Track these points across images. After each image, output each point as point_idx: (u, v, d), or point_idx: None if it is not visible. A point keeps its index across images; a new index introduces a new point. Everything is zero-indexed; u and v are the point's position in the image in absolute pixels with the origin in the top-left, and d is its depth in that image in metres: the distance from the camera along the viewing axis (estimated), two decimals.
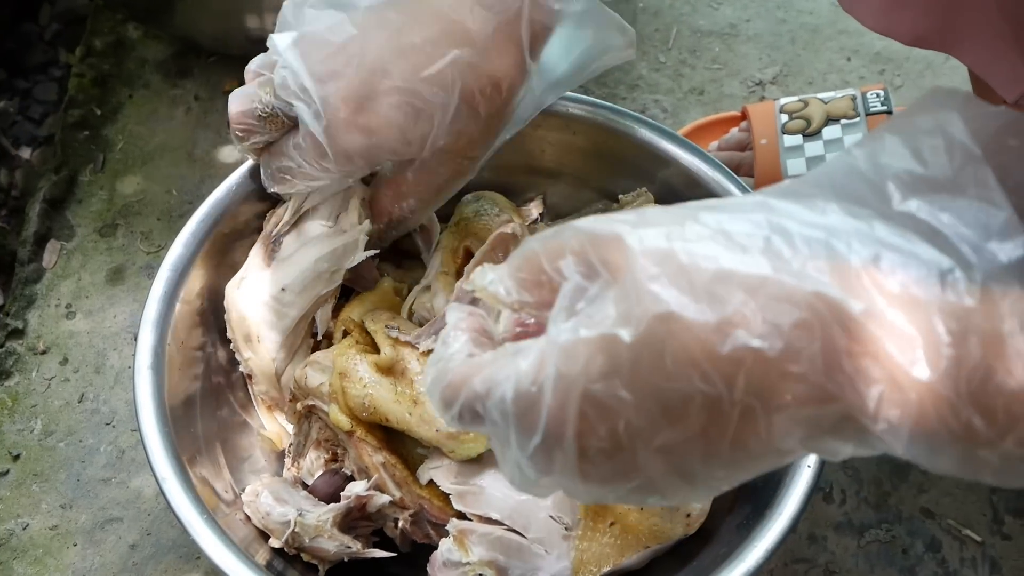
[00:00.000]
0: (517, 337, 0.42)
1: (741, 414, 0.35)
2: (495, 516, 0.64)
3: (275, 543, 0.65)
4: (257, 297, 0.68)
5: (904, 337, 0.33)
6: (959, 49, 0.66)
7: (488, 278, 0.41)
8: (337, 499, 0.66)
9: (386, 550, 0.67)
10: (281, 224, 0.69)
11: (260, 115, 0.64)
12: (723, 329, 0.34)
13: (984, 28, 0.63)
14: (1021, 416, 0.33)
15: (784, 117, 0.91)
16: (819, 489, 0.79)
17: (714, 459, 0.37)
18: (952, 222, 0.35)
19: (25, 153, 1.06)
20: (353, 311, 0.70)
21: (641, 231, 0.37)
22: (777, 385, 0.34)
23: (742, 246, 0.36)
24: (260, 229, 0.72)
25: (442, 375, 0.41)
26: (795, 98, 0.93)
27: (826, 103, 0.91)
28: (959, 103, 0.37)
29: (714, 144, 0.94)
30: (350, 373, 0.64)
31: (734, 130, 0.94)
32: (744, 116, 0.94)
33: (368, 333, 0.68)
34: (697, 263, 0.35)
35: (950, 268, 0.34)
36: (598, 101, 0.76)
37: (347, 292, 0.75)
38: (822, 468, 0.61)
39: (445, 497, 0.65)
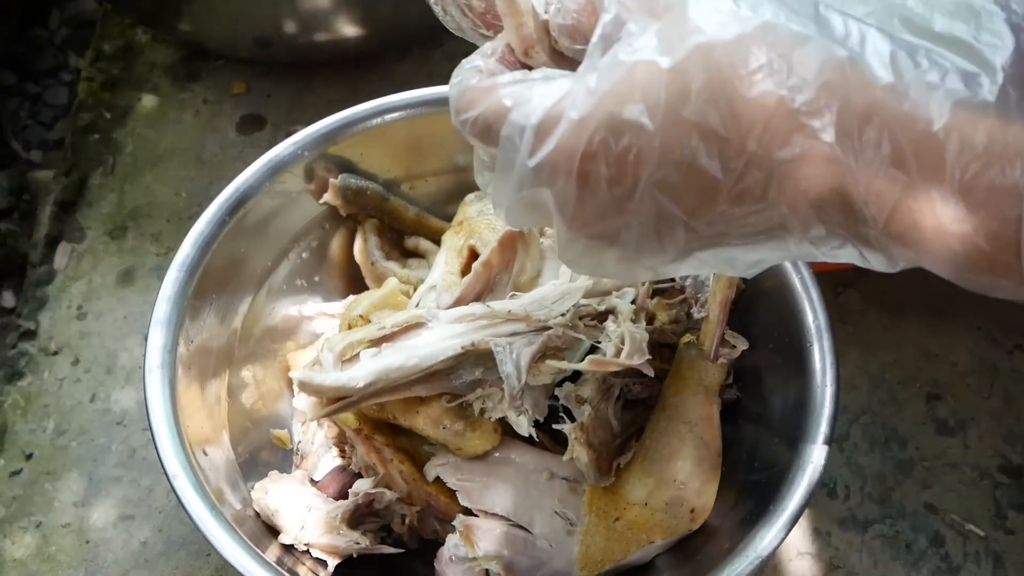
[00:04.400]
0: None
1: (747, 164, 0.36)
2: (501, 512, 0.65)
3: (285, 539, 0.66)
4: None
5: (915, 118, 0.34)
6: None
7: None
8: (345, 495, 0.67)
9: (394, 546, 0.68)
10: None
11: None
12: (756, 75, 0.35)
13: None
14: (1000, 213, 0.34)
15: None
16: (823, 485, 0.80)
17: (703, 214, 0.38)
18: (981, 36, 0.36)
19: (36, 156, 1.07)
20: (359, 309, 0.71)
21: None
22: (790, 137, 0.35)
23: (794, 10, 0.36)
24: (266, 227, 0.73)
25: (468, 77, 0.41)
26: None
27: None
28: None
29: None
30: None
31: None
32: None
33: None
34: (748, 11, 0.36)
35: (976, 72, 0.35)
36: None
37: (358, 288, 0.76)
38: (825, 464, 0.62)
39: (451, 493, 0.66)
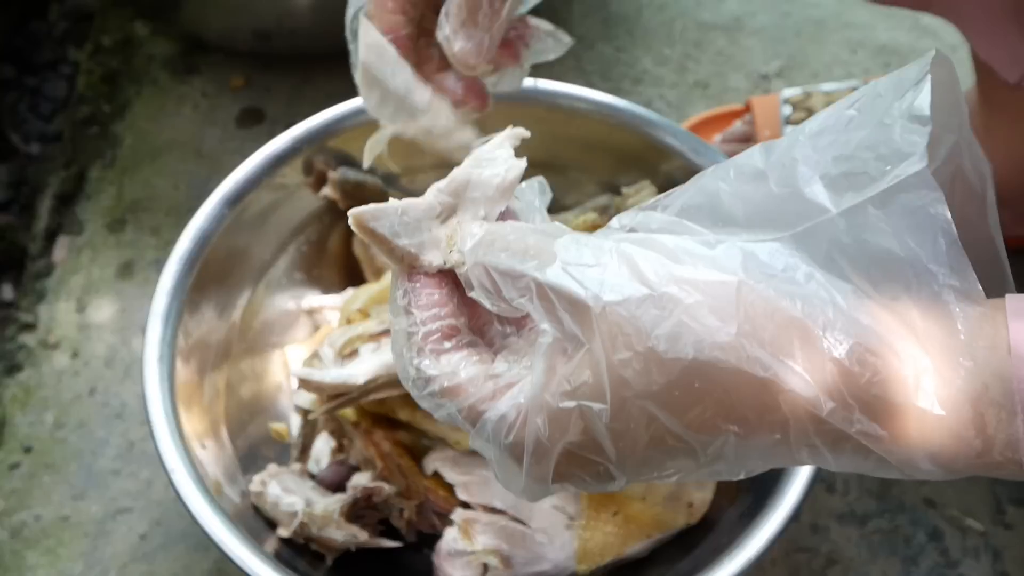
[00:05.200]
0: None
1: (711, 459, 0.37)
2: (499, 506, 0.65)
3: (283, 533, 0.66)
4: None
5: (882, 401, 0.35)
6: (964, 23, 0.66)
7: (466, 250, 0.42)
8: (344, 489, 0.67)
9: (392, 539, 0.68)
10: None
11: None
12: (699, 415, 0.36)
13: (987, 5, 0.63)
14: (988, 468, 0.35)
15: (787, 109, 0.91)
16: (821, 480, 0.80)
17: (689, 476, 0.40)
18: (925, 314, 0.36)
19: (35, 149, 1.07)
20: (358, 303, 0.71)
21: (607, 296, 0.36)
22: (746, 453, 0.37)
23: (717, 325, 0.36)
24: (265, 221, 0.73)
25: (419, 375, 0.41)
26: (798, 89, 0.93)
27: (829, 94, 0.91)
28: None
29: (718, 137, 0.95)
30: None
31: (737, 123, 0.95)
32: (748, 109, 0.94)
33: None
34: (668, 349, 0.36)
35: (925, 366, 0.35)
36: (602, 95, 0.76)
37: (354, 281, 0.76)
38: None
39: (449, 487, 0.66)
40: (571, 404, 0.37)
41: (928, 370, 0.35)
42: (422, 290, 0.42)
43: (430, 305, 0.42)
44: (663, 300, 0.36)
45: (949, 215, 0.35)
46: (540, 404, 0.38)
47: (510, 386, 0.40)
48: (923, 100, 0.36)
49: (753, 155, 0.40)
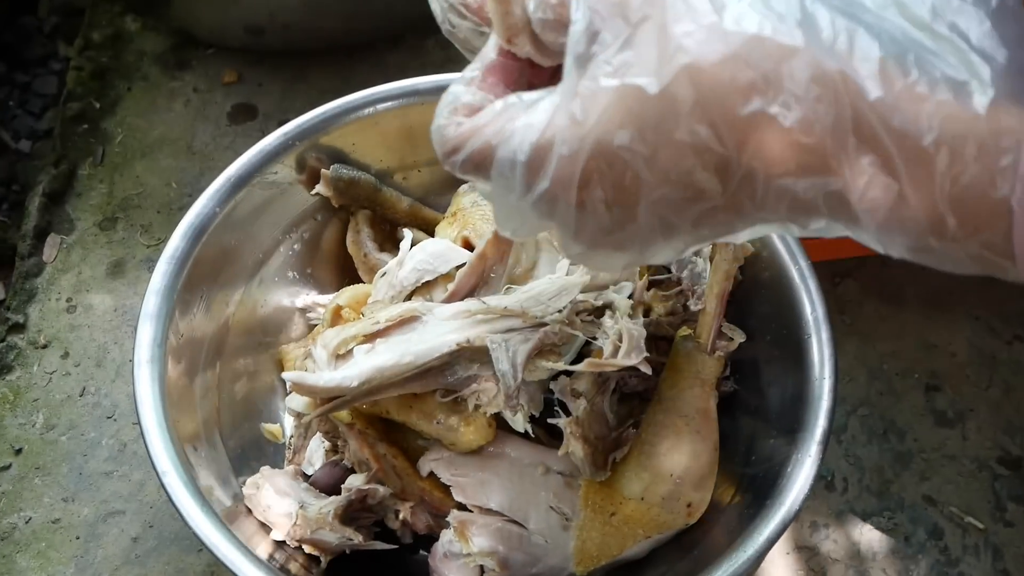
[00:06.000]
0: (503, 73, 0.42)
1: (743, 177, 0.36)
2: (496, 507, 0.64)
3: (277, 535, 0.65)
4: None
5: (905, 132, 0.35)
6: None
7: None
8: (338, 491, 0.66)
9: (387, 542, 0.67)
10: None
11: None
12: (746, 93, 0.35)
13: None
14: (992, 224, 0.35)
15: None
16: (821, 478, 0.79)
17: (704, 219, 0.38)
18: (977, 37, 0.36)
19: (25, 146, 1.06)
20: (341, 299, 0.70)
21: None
22: (784, 153, 0.35)
23: (780, 14, 0.36)
24: (257, 218, 0.72)
25: (450, 119, 0.41)
26: None
27: None
28: None
29: None
30: None
31: None
32: None
33: None
34: (732, 25, 0.35)
35: (965, 80, 0.35)
36: None
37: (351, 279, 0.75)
38: (823, 457, 0.61)
39: (446, 489, 0.65)
40: (612, 83, 0.36)
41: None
42: (492, 66, 0.42)
43: (490, 82, 0.42)
44: None
45: None
46: (573, 92, 0.37)
47: (544, 100, 0.38)
48: None
49: None
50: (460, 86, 0.42)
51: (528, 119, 0.38)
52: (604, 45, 0.37)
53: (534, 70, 0.43)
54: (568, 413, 0.64)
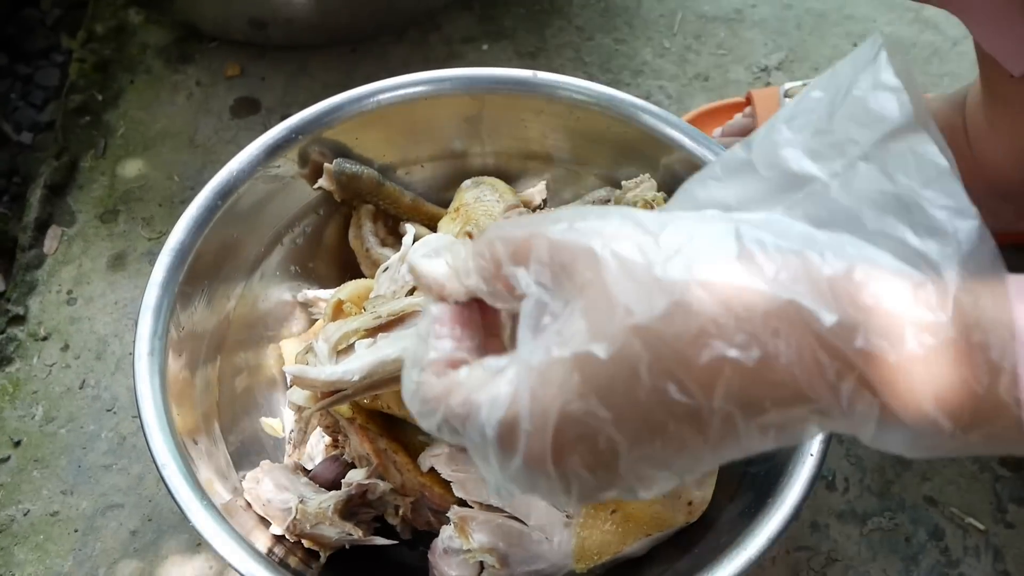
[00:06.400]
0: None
1: (721, 421, 0.36)
2: (496, 503, 0.64)
3: (276, 530, 0.65)
4: None
5: (870, 353, 0.34)
6: (966, 15, 0.65)
7: (430, 256, 0.42)
8: (338, 486, 0.66)
9: (387, 537, 0.67)
10: None
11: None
12: (700, 340, 0.34)
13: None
14: (989, 416, 0.34)
15: (788, 102, 0.90)
16: (822, 477, 0.79)
17: (694, 460, 0.37)
18: (922, 236, 0.36)
19: (27, 138, 1.05)
20: (342, 293, 0.70)
21: (613, 244, 0.36)
22: (755, 392, 0.35)
23: (715, 256, 0.35)
24: (259, 212, 0.72)
25: (420, 388, 0.41)
26: (799, 82, 0.92)
27: None
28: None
29: (718, 130, 0.94)
30: None
31: (738, 116, 0.94)
32: (748, 102, 0.93)
33: None
34: (670, 275, 0.35)
35: (921, 282, 0.35)
36: (602, 87, 0.75)
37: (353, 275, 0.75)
38: (824, 457, 0.61)
39: (446, 484, 0.65)
40: (565, 353, 0.36)
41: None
42: (445, 317, 0.42)
43: (447, 336, 0.42)
44: (663, 240, 0.36)
45: (936, 148, 0.36)
46: (528, 365, 0.37)
47: (504, 372, 0.39)
48: (886, 72, 0.37)
49: (735, 151, 0.40)
50: (431, 344, 0.41)
51: (492, 392, 0.38)
52: (554, 315, 0.37)
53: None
54: None
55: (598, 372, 0.35)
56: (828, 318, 0.34)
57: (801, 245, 0.35)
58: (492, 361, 0.40)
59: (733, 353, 0.34)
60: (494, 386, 0.38)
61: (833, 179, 0.37)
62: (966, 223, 0.35)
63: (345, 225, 0.79)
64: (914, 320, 0.34)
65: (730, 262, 0.35)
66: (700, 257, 0.35)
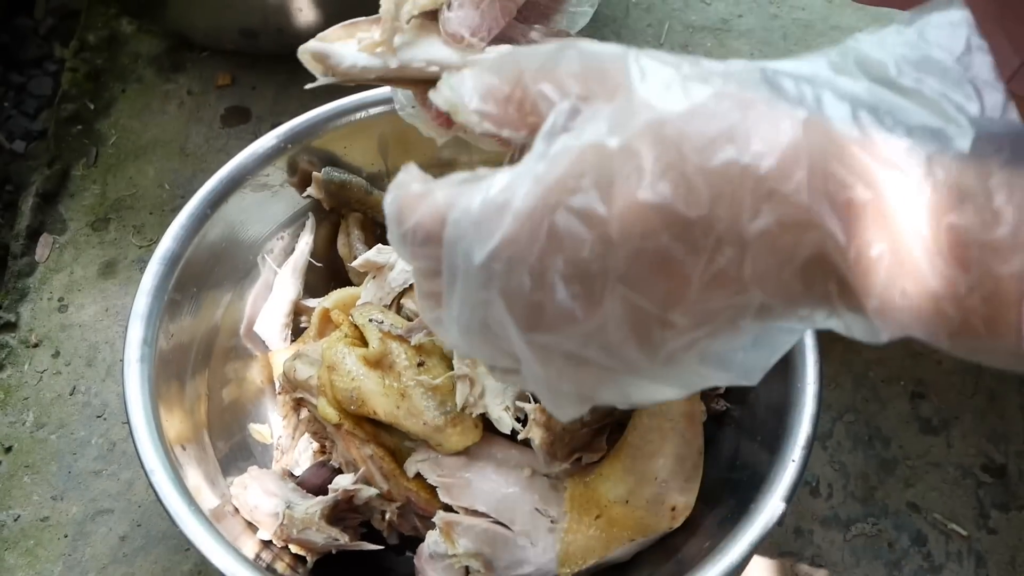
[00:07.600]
0: None
1: (717, 242, 0.33)
2: (481, 509, 0.64)
3: (264, 535, 0.66)
4: None
5: (885, 171, 0.32)
6: None
7: (455, 83, 0.38)
8: (325, 491, 0.67)
9: (374, 542, 0.68)
10: None
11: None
12: (715, 142, 0.33)
13: (974, 3, 0.63)
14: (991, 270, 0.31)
15: None
16: (805, 483, 0.80)
17: (677, 306, 0.34)
18: (947, 93, 0.34)
19: (19, 147, 1.06)
20: (328, 302, 0.71)
21: (644, 59, 0.35)
22: (760, 206, 0.32)
23: (743, 80, 0.35)
24: (250, 220, 0.73)
25: (404, 186, 0.38)
26: None
27: None
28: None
29: None
30: (338, 366, 0.65)
31: None
32: None
33: (357, 327, 0.69)
34: (698, 85, 0.34)
35: (940, 127, 0.33)
36: None
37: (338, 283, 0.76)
38: (807, 462, 0.62)
39: (432, 490, 0.65)
40: (577, 143, 0.33)
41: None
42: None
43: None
44: (691, 64, 0.35)
45: (974, 27, 0.34)
46: (539, 155, 0.34)
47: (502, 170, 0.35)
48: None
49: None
50: (415, 170, 0.39)
51: (487, 183, 0.35)
52: (581, 119, 0.35)
53: None
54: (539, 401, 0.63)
55: (603, 163, 0.33)
56: (851, 133, 0.33)
57: (824, 86, 0.34)
58: (490, 171, 0.37)
59: (747, 159, 0.32)
60: (493, 177, 0.35)
61: (868, 35, 0.35)
62: (992, 96, 0.34)
63: (334, 233, 0.79)
64: (930, 155, 0.32)
65: (756, 84, 0.34)
66: (728, 77, 0.35)
